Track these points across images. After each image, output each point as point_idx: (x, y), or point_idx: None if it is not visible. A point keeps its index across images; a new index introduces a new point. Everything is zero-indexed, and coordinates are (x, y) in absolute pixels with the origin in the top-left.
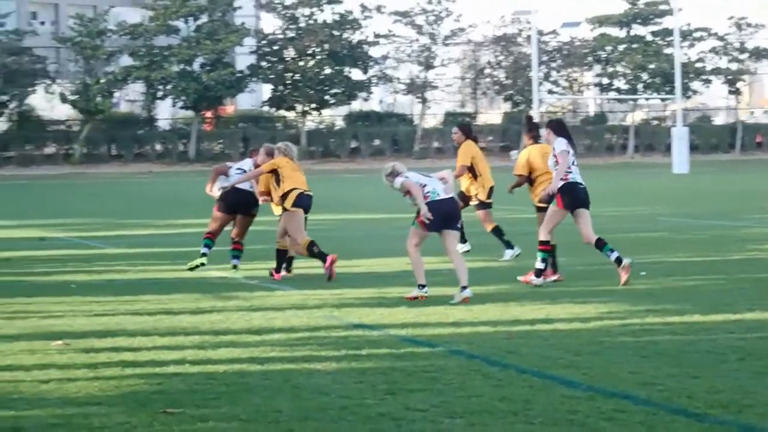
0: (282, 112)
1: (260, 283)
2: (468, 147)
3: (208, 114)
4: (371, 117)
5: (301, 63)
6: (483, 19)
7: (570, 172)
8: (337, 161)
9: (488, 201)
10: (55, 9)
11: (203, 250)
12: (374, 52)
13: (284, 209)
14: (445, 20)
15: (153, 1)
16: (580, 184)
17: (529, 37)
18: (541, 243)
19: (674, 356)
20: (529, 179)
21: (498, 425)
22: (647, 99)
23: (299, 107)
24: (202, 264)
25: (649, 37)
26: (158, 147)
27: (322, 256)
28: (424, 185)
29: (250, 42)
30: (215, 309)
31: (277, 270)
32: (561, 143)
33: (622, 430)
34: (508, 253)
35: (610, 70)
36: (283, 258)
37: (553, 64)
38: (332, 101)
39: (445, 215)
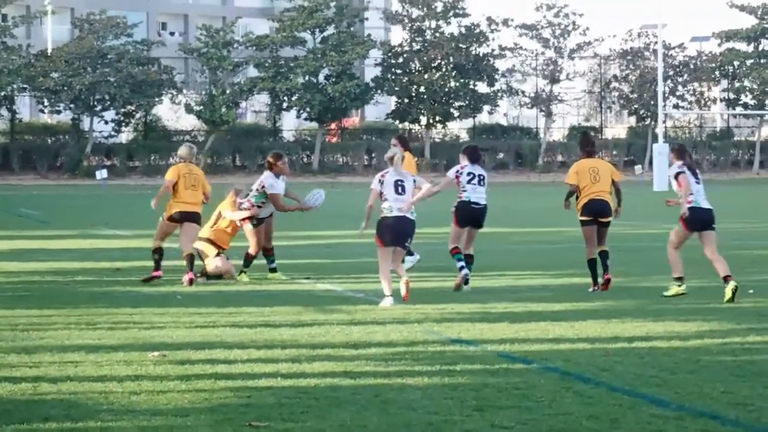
0: (406, 125)
1: (366, 297)
2: (410, 158)
3: (333, 126)
4: (495, 130)
5: (426, 75)
6: (610, 32)
7: (465, 191)
8: None
9: None
10: (184, 20)
11: None
12: (500, 65)
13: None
14: (572, 34)
15: (280, 13)
16: (475, 203)
17: (655, 51)
18: (452, 248)
19: None
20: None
21: None
22: None
23: (424, 119)
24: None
25: None
26: None
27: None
28: (385, 200)
29: (376, 54)
30: (316, 322)
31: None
32: (453, 170)
33: None
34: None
35: (737, 85)
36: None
37: (680, 79)
38: (457, 114)
39: (394, 232)
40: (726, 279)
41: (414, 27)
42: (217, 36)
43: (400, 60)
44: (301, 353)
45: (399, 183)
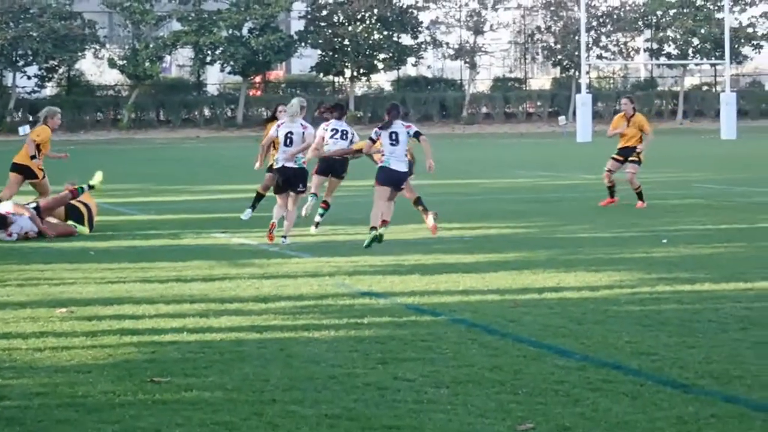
0: (330, 77)
1: (279, 251)
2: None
3: (257, 79)
4: (420, 82)
5: (350, 28)
6: None
7: (326, 145)
8: None
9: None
10: None
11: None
12: (423, 17)
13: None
14: None
15: None
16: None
17: (579, 2)
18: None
19: (676, 326)
20: None
21: (482, 395)
22: (697, 65)
23: (348, 72)
24: None
25: (700, 2)
26: (206, 112)
27: None
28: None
29: (300, 6)
30: (228, 276)
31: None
32: (320, 127)
33: (606, 400)
34: (247, 213)
35: (660, 35)
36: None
37: (603, 29)
38: (381, 66)
39: (284, 179)
40: (383, 223)
41: None
42: None
43: (324, 12)
44: (210, 308)
45: (288, 135)
